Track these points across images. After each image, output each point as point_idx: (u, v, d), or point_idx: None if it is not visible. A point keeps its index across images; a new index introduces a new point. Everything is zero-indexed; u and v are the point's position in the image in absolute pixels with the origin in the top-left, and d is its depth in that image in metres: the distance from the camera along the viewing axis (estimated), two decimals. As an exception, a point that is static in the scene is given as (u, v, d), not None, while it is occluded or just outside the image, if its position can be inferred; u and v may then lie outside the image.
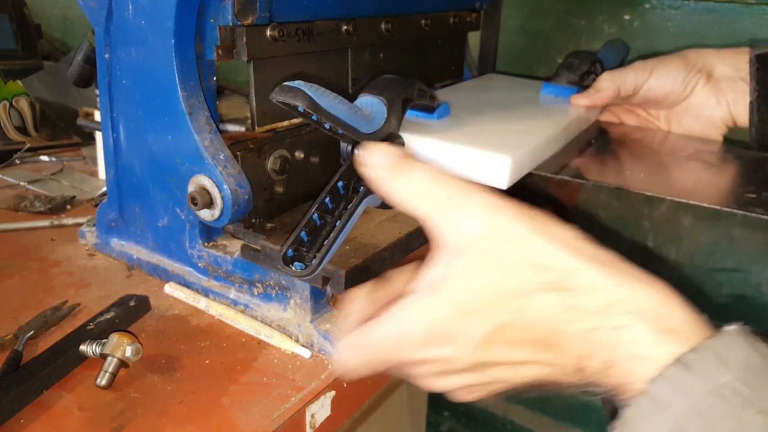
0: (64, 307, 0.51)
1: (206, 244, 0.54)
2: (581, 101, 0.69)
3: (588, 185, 0.85)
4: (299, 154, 0.56)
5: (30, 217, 0.69)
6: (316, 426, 0.44)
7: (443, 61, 0.82)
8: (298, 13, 0.54)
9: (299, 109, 0.39)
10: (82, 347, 0.44)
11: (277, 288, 0.51)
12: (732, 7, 0.80)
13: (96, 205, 0.71)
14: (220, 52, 0.49)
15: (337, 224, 0.42)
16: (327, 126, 0.41)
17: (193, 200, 0.49)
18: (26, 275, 0.57)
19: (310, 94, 0.39)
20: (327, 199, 0.44)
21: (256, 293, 0.52)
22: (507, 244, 0.32)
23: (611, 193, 0.92)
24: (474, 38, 0.90)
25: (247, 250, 0.50)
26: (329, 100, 0.40)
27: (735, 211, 0.50)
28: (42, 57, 1.07)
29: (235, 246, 0.54)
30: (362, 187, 0.43)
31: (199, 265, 0.55)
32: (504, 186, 0.50)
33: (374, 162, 0.37)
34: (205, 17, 0.49)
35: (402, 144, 0.50)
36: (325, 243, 0.42)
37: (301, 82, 0.39)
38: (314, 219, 0.43)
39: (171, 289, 0.55)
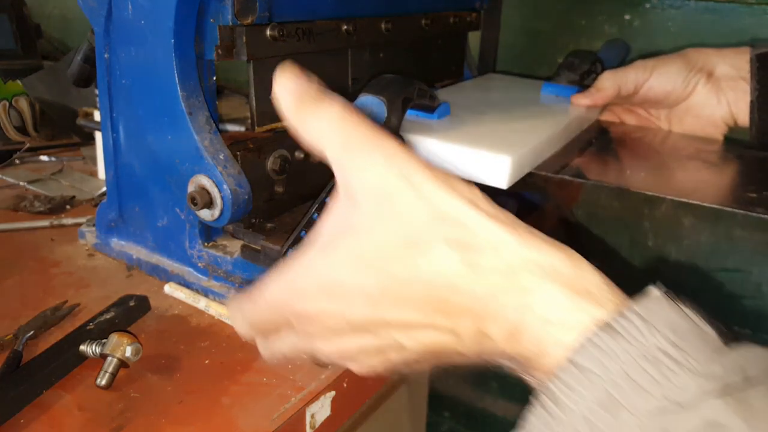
0: (64, 307, 0.51)
1: (206, 244, 0.54)
2: (582, 101, 0.69)
3: (588, 185, 0.85)
4: (299, 154, 0.56)
5: (30, 217, 0.69)
6: (316, 426, 0.44)
7: (443, 61, 0.82)
8: (298, 12, 0.54)
9: (299, 108, 0.39)
10: (82, 347, 0.44)
11: (277, 288, 0.51)
12: (732, 6, 0.80)
13: (96, 205, 0.71)
14: (219, 52, 0.49)
15: (337, 224, 0.42)
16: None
17: (193, 200, 0.49)
18: (26, 275, 0.57)
19: None
20: (327, 199, 0.44)
21: (256, 293, 0.52)
22: (409, 196, 0.30)
23: (612, 192, 0.92)
24: (474, 38, 0.90)
25: (247, 250, 0.50)
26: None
27: (736, 210, 0.50)
28: (41, 57, 1.07)
29: (235, 246, 0.54)
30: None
31: (199, 265, 0.55)
32: (504, 186, 0.50)
33: (283, 91, 0.34)
34: (205, 17, 0.49)
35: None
36: (325, 243, 0.42)
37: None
38: (314, 219, 0.43)
39: (171, 289, 0.55)
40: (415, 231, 0.30)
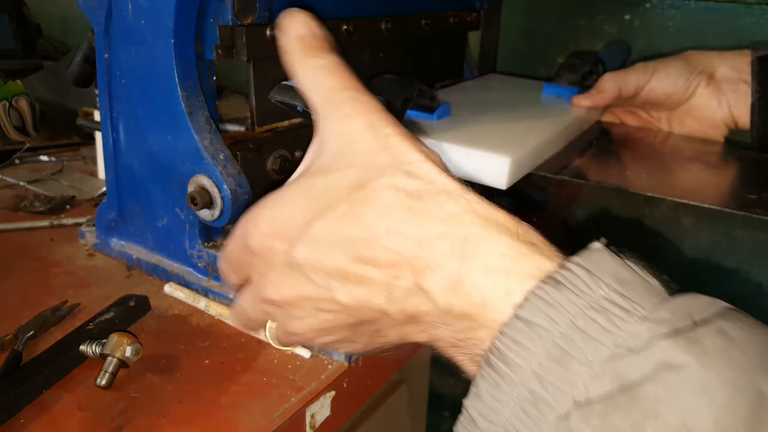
0: (64, 307, 0.51)
1: (206, 244, 0.54)
2: (583, 102, 0.69)
3: (589, 185, 0.85)
4: (299, 154, 0.56)
5: (29, 217, 0.69)
6: (316, 426, 0.44)
7: (443, 61, 0.82)
8: (299, 12, 0.54)
9: (298, 108, 0.39)
10: (82, 347, 0.44)
11: (277, 288, 0.51)
12: (733, 7, 0.80)
13: (96, 205, 0.71)
14: (219, 51, 0.49)
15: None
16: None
17: (193, 200, 0.49)
18: (26, 275, 0.57)
19: None
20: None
21: (256, 293, 0.52)
22: (372, 145, 0.32)
23: (612, 193, 0.92)
24: (474, 38, 0.90)
25: (247, 251, 0.50)
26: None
27: (736, 212, 0.50)
28: (41, 57, 1.07)
29: (235, 246, 0.54)
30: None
31: (199, 265, 0.55)
32: (504, 186, 0.50)
33: (290, 32, 0.36)
34: (205, 17, 0.49)
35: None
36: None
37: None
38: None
39: (171, 289, 0.55)
40: (366, 176, 0.31)
